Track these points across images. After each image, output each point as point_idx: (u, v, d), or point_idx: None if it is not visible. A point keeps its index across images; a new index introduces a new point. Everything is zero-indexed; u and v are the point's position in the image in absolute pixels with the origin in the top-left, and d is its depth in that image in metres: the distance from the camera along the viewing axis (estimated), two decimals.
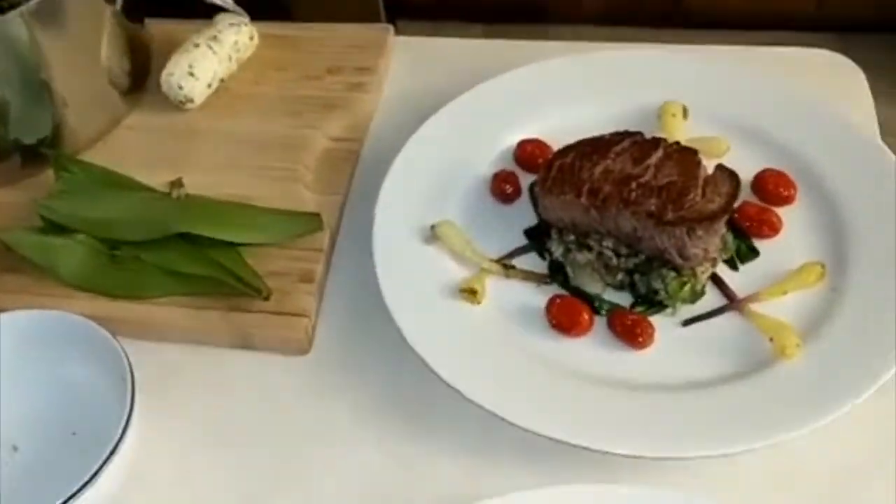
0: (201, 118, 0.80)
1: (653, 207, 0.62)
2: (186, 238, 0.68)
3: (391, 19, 1.56)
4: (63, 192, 0.73)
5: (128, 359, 0.59)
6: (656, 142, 0.66)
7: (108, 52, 0.77)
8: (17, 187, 0.75)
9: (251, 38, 0.83)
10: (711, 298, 0.64)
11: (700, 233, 0.61)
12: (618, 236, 0.64)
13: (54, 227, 0.70)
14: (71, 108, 0.76)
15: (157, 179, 0.74)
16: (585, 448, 0.56)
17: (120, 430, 0.56)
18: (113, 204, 0.72)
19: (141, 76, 0.82)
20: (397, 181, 0.71)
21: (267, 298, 0.65)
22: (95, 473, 0.55)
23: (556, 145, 0.71)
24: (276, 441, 0.62)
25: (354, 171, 0.76)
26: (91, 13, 0.75)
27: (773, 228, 0.67)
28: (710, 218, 0.61)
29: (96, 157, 0.77)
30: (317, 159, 0.76)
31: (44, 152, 0.75)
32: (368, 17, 0.74)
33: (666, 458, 0.56)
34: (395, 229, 0.68)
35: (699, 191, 0.63)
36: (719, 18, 1.57)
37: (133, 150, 0.77)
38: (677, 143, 0.67)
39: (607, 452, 0.56)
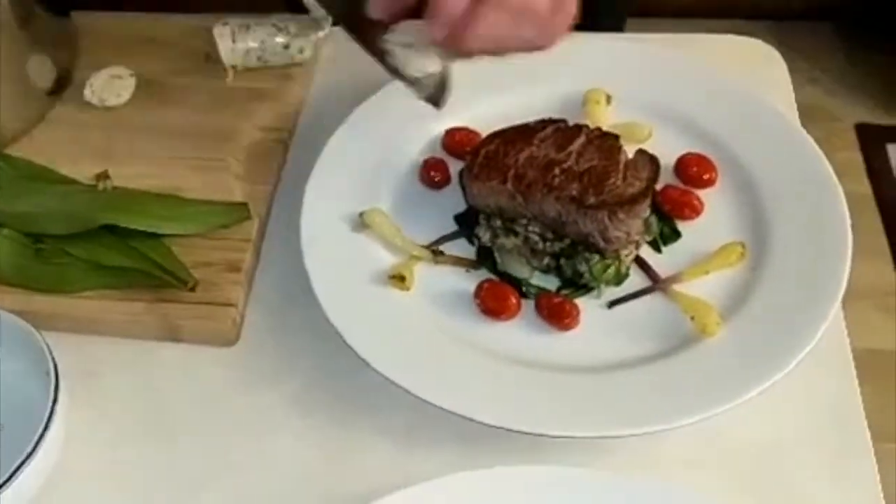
0: (128, 111, 0.79)
1: (575, 192, 0.63)
2: (112, 230, 0.68)
3: None
4: None
5: (51, 353, 0.59)
6: (578, 128, 0.67)
7: (27, 45, 0.75)
8: None
9: (286, 48, 0.81)
10: (636, 280, 0.66)
11: (621, 216, 0.62)
12: (543, 221, 0.65)
13: None
14: None
15: (83, 173, 0.73)
16: (515, 431, 0.57)
17: (42, 425, 0.56)
18: (37, 197, 0.71)
19: (65, 70, 0.81)
20: (326, 170, 0.71)
21: (193, 289, 0.65)
22: (17, 469, 0.54)
23: (483, 133, 0.72)
24: (205, 433, 0.62)
25: (284, 161, 0.76)
26: (6, 6, 0.74)
27: (694, 210, 0.68)
28: (631, 201, 0.62)
29: (21, 151, 0.75)
30: (246, 150, 0.76)
31: None
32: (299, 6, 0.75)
33: (593, 438, 0.57)
34: (324, 217, 0.68)
35: (620, 175, 0.64)
36: (654, 8, 1.60)
37: (59, 144, 0.76)
38: (599, 129, 0.68)
39: (537, 434, 0.56)
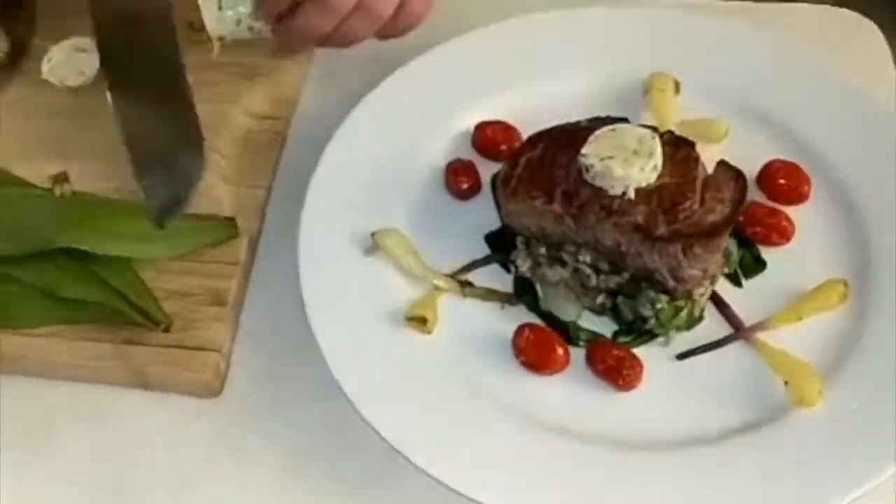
0: (93, 93, 0.65)
1: (640, 219, 0.50)
2: (71, 251, 0.56)
3: None
4: None
5: None
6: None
7: None
8: None
9: None
10: (711, 325, 0.53)
11: (698, 251, 0.49)
12: (598, 250, 0.52)
13: None
14: None
15: (38, 171, 0.61)
16: None
17: None
18: None
19: (20, 39, 0.68)
20: (329, 175, 0.58)
21: (167, 330, 0.53)
22: None
23: (523, 129, 0.59)
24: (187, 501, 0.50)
25: (279, 158, 0.63)
26: None
27: (783, 234, 0.56)
28: (711, 233, 0.50)
29: None
30: (234, 143, 0.63)
31: None
32: None
33: None
34: (327, 237, 0.56)
35: (697, 196, 0.51)
36: None
37: (9, 134, 0.64)
38: (671, 132, 0.54)
39: None
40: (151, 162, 0.58)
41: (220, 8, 0.65)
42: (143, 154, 0.59)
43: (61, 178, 0.60)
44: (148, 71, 0.62)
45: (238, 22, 0.66)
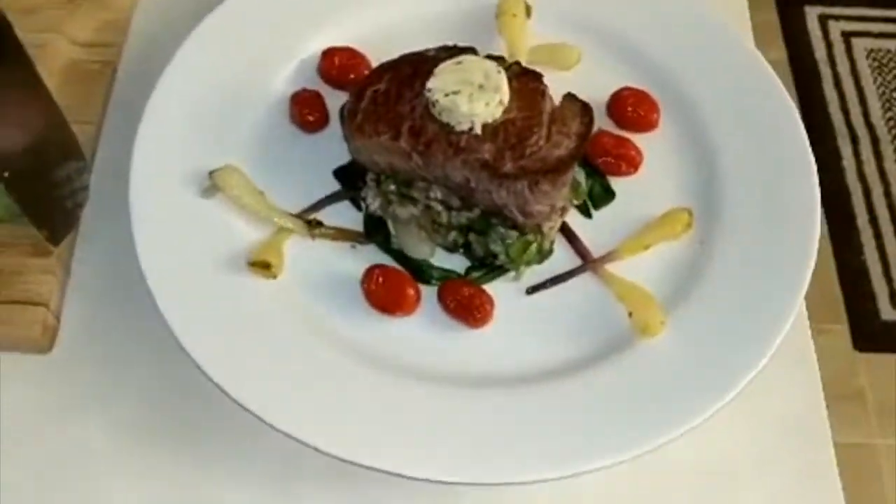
0: None
1: (488, 156, 0.49)
2: None
3: None
4: None
5: None
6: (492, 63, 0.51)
7: None
8: None
9: None
10: (560, 257, 0.53)
11: (545, 187, 0.49)
12: (448, 186, 0.51)
13: None
14: None
15: None
16: (413, 478, 0.45)
17: None
18: None
19: None
20: (162, 109, 0.54)
21: None
22: None
23: (371, 55, 0.57)
24: (10, 474, 0.47)
25: (110, 91, 0.59)
26: None
27: (632, 164, 0.56)
28: (557, 169, 0.49)
29: None
30: (60, 74, 0.58)
31: None
32: None
33: (505, 484, 0.45)
34: (160, 178, 0.52)
35: (544, 131, 0.50)
36: None
37: None
38: (518, 64, 0.53)
39: (434, 482, 0.45)
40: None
41: None
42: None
43: None
44: None
45: None
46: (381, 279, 0.50)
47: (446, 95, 0.49)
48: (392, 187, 0.52)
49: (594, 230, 0.54)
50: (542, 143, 0.49)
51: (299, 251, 0.52)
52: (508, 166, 0.49)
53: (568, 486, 0.46)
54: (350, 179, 0.54)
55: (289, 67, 0.58)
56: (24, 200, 0.51)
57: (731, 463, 0.49)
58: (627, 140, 0.56)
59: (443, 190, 0.51)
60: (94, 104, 0.57)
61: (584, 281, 0.52)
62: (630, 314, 0.50)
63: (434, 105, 0.49)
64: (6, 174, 0.52)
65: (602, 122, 0.56)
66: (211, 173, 0.52)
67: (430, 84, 0.50)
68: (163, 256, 0.50)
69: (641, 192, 0.55)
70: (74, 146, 0.53)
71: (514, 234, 0.51)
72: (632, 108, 0.57)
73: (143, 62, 0.59)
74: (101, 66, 0.59)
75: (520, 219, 0.50)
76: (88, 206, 0.54)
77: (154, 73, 0.55)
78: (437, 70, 0.50)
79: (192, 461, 0.48)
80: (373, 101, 0.51)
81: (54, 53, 0.58)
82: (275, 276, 0.51)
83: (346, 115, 0.52)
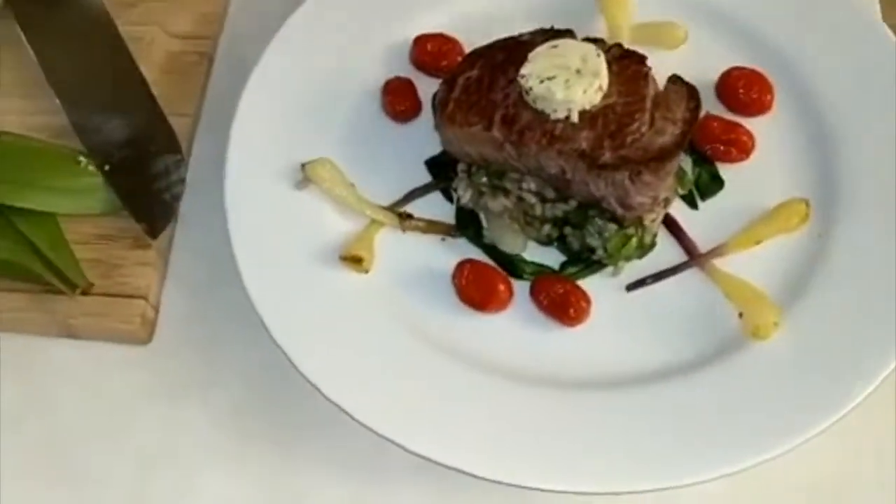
0: (9, 18, 0.60)
1: (585, 144, 0.46)
2: None
3: None
4: None
5: None
6: (591, 46, 0.49)
7: None
8: None
9: None
10: (664, 251, 0.50)
11: (647, 178, 0.46)
12: (542, 177, 0.49)
13: None
14: None
15: None
16: (495, 481, 0.43)
17: None
18: None
19: None
20: (256, 101, 0.54)
21: (84, 293, 0.50)
22: None
23: (465, 41, 0.55)
24: (111, 461, 0.48)
25: (207, 84, 0.59)
26: None
27: (743, 150, 0.52)
28: (660, 158, 0.46)
29: None
30: (158, 67, 0.59)
31: None
32: None
33: (601, 494, 0.43)
34: (255, 170, 0.52)
35: (646, 117, 0.47)
36: None
37: None
38: (619, 45, 0.50)
39: (523, 487, 0.43)
40: (94, 119, 0.54)
41: None
42: (80, 106, 0.54)
43: None
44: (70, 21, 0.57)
45: None
46: (472, 274, 0.49)
47: (541, 82, 0.47)
48: (484, 178, 0.50)
49: (701, 222, 0.51)
50: (644, 130, 0.46)
51: (390, 244, 0.51)
52: (607, 156, 0.46)
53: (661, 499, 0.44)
54: (442, 170, 0.53)
55: (380, 56, 0.56)
56: (124, 193, 0.52)
57: (835, 482, 0.45)
58: (738, 124, 0.52)
59: (537, 181, 0.49)
60: (191, 97, 0.58)
61: (688, 278, 0.49)
62: (740, 314, 0.47)
63: (528, 92, 0.47)
64: (106, 167, 0.53)
65: (710, 105, 0.53)
66: (303, 165, 0.51)
67: (524, 70, 0.47)
68: (257, 248, 0.50)
69: (753, 180, 0.52)
70: (172, 139, 0.54)
71: (612, 227, 0.48)
72: (743, 90, 0.53)
73: (238, 54, 0.59)
74: (197, 59, 0.59)
75: (619, 211, 0.47)
76: (186, 199, 0.54)
77: (249, 65, 0.55)
78: (532, 55, 0.48)
79: (285, 448, 0.48)
80: (465, 90, 0.49)
81: (152, 46, 0.59)
82: (366, 271, 0.50)
83: (438, 104, 0.50)
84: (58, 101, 0.55)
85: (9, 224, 0.52)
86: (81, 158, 0.53)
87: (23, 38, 0.58)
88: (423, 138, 0.54)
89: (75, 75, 0.56)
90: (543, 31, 0.50)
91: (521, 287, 0.49)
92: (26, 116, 0.56)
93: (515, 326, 0.49)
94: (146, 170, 0.53)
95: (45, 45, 0.57)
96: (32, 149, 0.54)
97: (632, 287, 0.49)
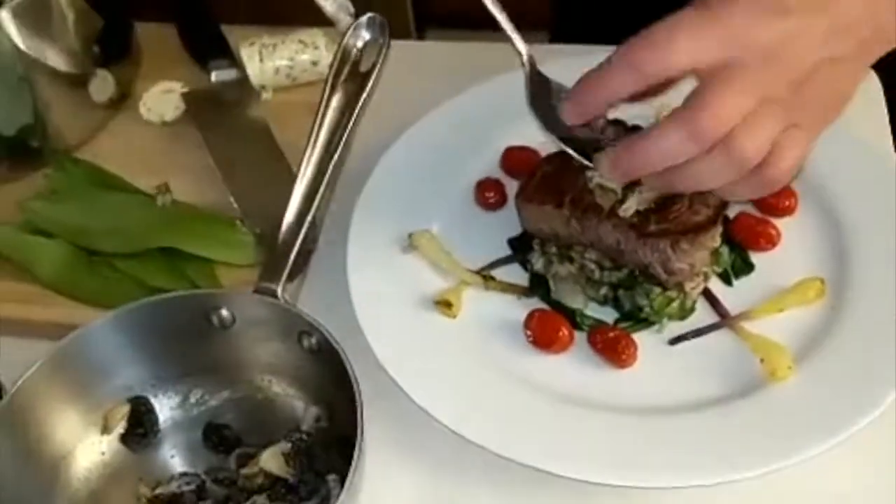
0: (184, 125, 0.77)
1: (635, 219, 0.58)
2: (165, 249, 0.67)
3: (420, 28, 1.53)
4: (51, 193, 0.72)
5: None
6: None
7: (92, 61, 0.76)
8: (2, 190, 0.74)
9: (314, 63, 0.78)
10: (702, 315, 0.60)
11: (685, 246, 0.57)
12: (601, 249, 0.61)
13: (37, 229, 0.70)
14: (54, 110, 0.75)
15: (141, 185, 0.73)
16: (557, 475, 0.52)
17: None
18: (96, 209, 0.71)
19: (126, 85, 0.80)
20: (377, 187, 0.68)
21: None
22: None
23: (545, 152, 0.68)
24: None
25: (338, 178, 0.74)
26: (76, 16, 0.74)
27: (770, 241, 0.63)
28: (696, 230, 0.57)
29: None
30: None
31: (35, 149, 0.74)
32: (397, 26, 0.71)
33: (642, 488, 0.52)
34: (373, 237, 0.65)
35: (685, 201, 0.59)
36: None
37: (113, 157, 0.75)
38: None
39: (580, 480, 0.52)
40: (249, 195, 0.68)
41: (261, 61, 0.77)
42: (239, 185, 0.69)
43: (163, 188, 0.71)
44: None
45: (276, 71, 0.77)
46: (540, 320, 0.60)
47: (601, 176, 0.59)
48: (554, 249, 0.62)
49: (734, 296, 0.61)
50: (683, 210, 0.58)
51: (475, 298, 0.63)
52: (652, 227, 0.58)
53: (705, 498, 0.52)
54: (520, 247, 0.65)
55: (478, 160, 0.70)
56: (268, 251, 0.66)
57: (843, 493, 0.53)
58: (767, 221, 0.63)
59: (597, 252, 0.61)
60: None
61: (721, 336, 0.59)
62: (761, 360, 0.56)
63: (590, 181, 0.60)
64: (257, 230, 0.67)
65: (744, 207, 0.64)
66: (410, 235, 0.65)
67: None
68: (370, 297, 0.61)
69: (779, 265, 0.62)
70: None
71: (657, 290, 0.59)
72: (772, 195, 0.64)
73: (363, 157, 0.73)
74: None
75: (663, 276, 0.59)
76: (317, 259, 0.67)
77: (382, 147, 0.70)
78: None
79: (373, 455, 0.56)
80: (542, 179, 0.63)
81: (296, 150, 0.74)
82: (454, 316, 0.61)
83: (520, 189, 0.64)
84: (223, 180, 0.71)
85: (176, 266, 0.66)
86: (238, 223, 0.68)
87: (199, 135, 0.75)
88: (507, 224, 0.66)
89: (237, 162, 0.72)
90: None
91: (580, 336, 0.60)
92: (199, 194, 0.71)
93: (575, 365, 0.59)
94: None
95: (216, 140, 0.74)
96: (201, 213, 0.69)
97: (674, 341, 0.59)
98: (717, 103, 0.47)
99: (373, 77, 0.63)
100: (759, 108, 0.47)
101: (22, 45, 0.71)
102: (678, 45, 0.47)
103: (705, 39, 0.48)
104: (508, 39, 0.58)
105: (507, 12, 0.58)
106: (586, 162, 0.56)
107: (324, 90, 0.64)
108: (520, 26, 0.61)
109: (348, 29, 0.64)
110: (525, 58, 0.58)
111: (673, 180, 0.51)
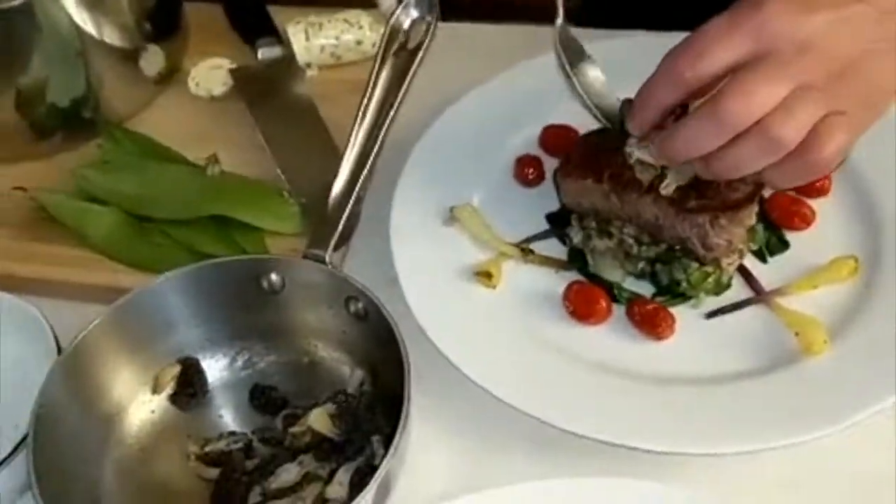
0: (231, 101, 0.80)
1: (674, 194, 0.60)
2: (215, 217, 0.69)
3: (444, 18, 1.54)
4: (103, 163, 0.75)
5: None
6: None
7: (143, 36, 0.78)
8: (57, 159, 0.77)
9: (358, 43, 0.80)
10: (738, 291, 0.62)
11: (723, 222, 0.59)
12: (639, 224, 0.62)
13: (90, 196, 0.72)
14: (107, 83, 0.77)
15: (190, 156, 0.75)
16: (593, 439, 0.54)
17: None
18: (148, 178, 0.73)
19: (175, 61, 0.83)
20: (420, 162, 0.70)
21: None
22: None
23: (583, 131, 0.70)
24: None
25: (387, 133, 0.74)
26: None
27: (805, 220, 0.64)
28: (734, 207, 0.59)
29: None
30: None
31: (88, 120, 0.77)
32: None
33: (679, 454, 0.54)
34: (415, 210, 0.67)
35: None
36: None
37: (163, 130, 0.78)
38: None
39: (616, 445, 0.54)
40: (295, 167, 0.70)
41: (307, 40, 0.79)
42: (286, 158, 0.71)
43: (212, 158, 0.73)
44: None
45: (322, 49, 0.79)
46: (579, 291, 0.62)
47: (640, 149, 0.61)
48: (592, 224, 0.64)
49: (769, 273, 0.62)
50: (722, 187, 0.60)
51: (514, 270, 0.65)
52: (692, 203, 0.59)
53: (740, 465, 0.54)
54: (558, 222, 0.67)
55: (518, 138, 0.72)
56: (316, 220, 0.68)
57: (878, 468, 0.54)
58: (802, 201, 0.65)
59: (635, 227, 0.62)
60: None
61: (756, 311, 0.61)
62: (796, 334, 0.58)
63: (631, 156, 0.61)
64: (303, 200, 0.69)
65: None
66: (452, 208, 0.67)
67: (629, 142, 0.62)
68: (413, 266, 0.63)
69: (813, 243, 0.63)
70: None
71: (695, 265, 0.61)
72: None
73: (405, 135, 0.75)
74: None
75: (701, 251, 0.60)
76: (359, 232, 0.69)
77: (422, 124, 0.71)
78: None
79: (417, 418, 0.58)
80: (582, 154, 0.64)
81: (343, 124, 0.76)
82: (494, 286, 0.63)
83: (560, 165, 0.65)
84: (270, 153, 0.73)
85: (226, 233, 0.68)
86: (285, 194, 0.70)
87: (246, 110, 0.77)
88: (545, 199, 0.68)
89: (284, 137, 0.74)
90: None
91: (618, 309, 0.62)
92: (246, 166, 0.74)
93: (613, 337, 0.60)
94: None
95: (262, 115, 0.76)
96: (251, 184, 0.72)
97: (710, 315, 0.61)
98: (743, 90, 0.49)
99: (420, 54, 0.65)
100: (795, 93, 0.49)
101: (78, 20, 0.73)
102: (713, 49, 0.50)
103: (738, 37, 0.50)
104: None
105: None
106: (605, 122, 0.61)
107: (373, 66, 0.65)
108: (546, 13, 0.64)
109: (397, 7, 0.66)
110: (561, 12, 0.62)
111: (713, 165, 0.53)
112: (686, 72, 0.51)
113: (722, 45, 0.50)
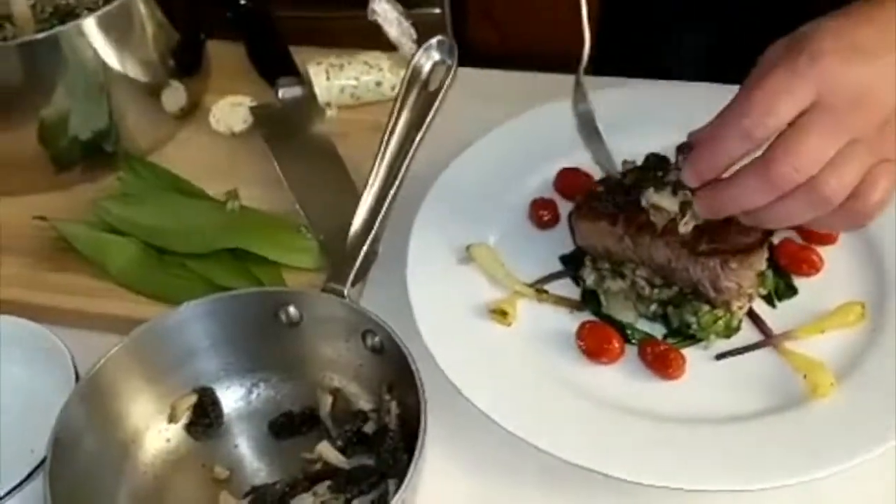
0: (252, 136, 0.81)
1: (687, 237, 0.61)
2: (233, 250, 0.70)
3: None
4: (123, 195, 0.76)
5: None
6: None
7: (166, 73, 0.80)
8: (77, 189, 0.78)
9: (377, 84, 0.82)
10: (747, 334, 0.63)
11: (734, 265, 0.60)
12: (652, 266, 0.64)
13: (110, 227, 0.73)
14: (128, 117, 0.79)
15: (210, 191, 0.76)
16: (602, 474, 0.55)
17: None
18: (167, 211, 0.74)
19: (196, 97, 0.85)
20: (437, 201, 0.72)
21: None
22: None
23: (597, 175, 0.71)
24: None
25: (405, 174, 0.76)
26: (154, 30, 0.78)
27: (813, 267, 0.66)
28: (745, 251, 0.60)
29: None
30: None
31: (110, 153, 0.78)
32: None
33: (689, 490, 0.54)
34: (432, 248, 0.69)
35: (736, 223, 0.62)
36: None
37: (183, 164, 0.79)
38: None
39: (625, 480, 0.55)
40: (314, 204, 0.72)
41: (328, 79, 0.81)
42: (305, 195, 0.73)
43: (233, 194, 0.75)
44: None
45: (342, 90, 0.82)
46: (592, 331, 0.63)
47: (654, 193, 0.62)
48: (606, 266, 0.65)
49: (778, 317, 0.64)
50: (732, 232, 0.61)
51: (529, 309, 0.66)
52: (704, 247, 0.61)
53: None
54: (572, 263, 0.68)
55: (533, 181, 0.74)
56: (332, 257, 0.69)
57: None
58: (811, 248, 0.66)
59: (648, 270, 0.64)
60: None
61: (765, 354, 0.62)
62: (804, 376, 0.59)
63: (644, 201, 0.63)
64: (321, 236, 0.70)
65: (789, 234, 0.67)
66: (468, 247, 0.68)
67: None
68: (429, 304, 0.64)
69: (821, 290, 0.65)
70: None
71: (705, 307, 0.62)
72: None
73: (423, 176, 0.76)
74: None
75: (711, 293, 0.61)
76: (377, 267, 0.70)
77: (440, 164, 0.73)
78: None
79: (429, 453, 0.59)
80: (597, 198, 0.66)
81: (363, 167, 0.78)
82: (509, 324, 0.64)
83: (575, 208, 0.67)
84: (289, 190, 0.74)
85: (244, 267, 0.69)
86: (303, 229, 0.71)
87: (266, 147, 0.79)
88: (559, 241, 0.70)
89: (303, 174, 0.76)
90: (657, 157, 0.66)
91: (630, 349, 0.63)
92: (265, 201, 0.75)
93: (625, 375, 0.62)
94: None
95: (282, 153, 0.78)
96: (270, 219, 0.73)
97: (720, 357, 0.62)
98: (796, 150, 0.50)
99: (440, 95, 0.67)
100: (846, 149, 0.50)
101: (103, 54, 0.75)
102: (778, 106, 0.51)
103: (800, 93, 0.51)
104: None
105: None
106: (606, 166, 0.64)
107: (393, 106, 0.67)
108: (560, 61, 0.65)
109: (418, 50, 0.68)
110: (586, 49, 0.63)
111: (758, 217, 0.55)
112: (756, 131, 0.51)
113: (785, 102, 0.51)
